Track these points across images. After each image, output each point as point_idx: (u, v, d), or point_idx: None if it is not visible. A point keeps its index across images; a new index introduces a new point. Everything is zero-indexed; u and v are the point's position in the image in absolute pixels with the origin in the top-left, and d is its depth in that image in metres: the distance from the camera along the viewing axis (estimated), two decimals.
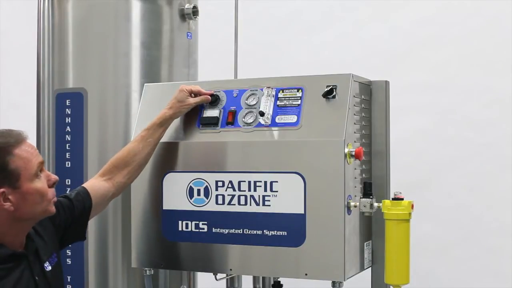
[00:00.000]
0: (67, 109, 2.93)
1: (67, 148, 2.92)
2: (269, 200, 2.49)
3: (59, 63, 2.98)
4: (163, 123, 2.57)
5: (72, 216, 2.39)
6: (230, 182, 2.54)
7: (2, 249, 2.11)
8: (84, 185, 2.51)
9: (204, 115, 2.63)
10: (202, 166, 2.59)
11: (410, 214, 2.40)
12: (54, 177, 2.20)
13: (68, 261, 2.87)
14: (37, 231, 2.26)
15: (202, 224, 2.59)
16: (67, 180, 2.91)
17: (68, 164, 2.92)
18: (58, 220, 2.35)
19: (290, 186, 2.45)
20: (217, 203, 2.56)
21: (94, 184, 2.51)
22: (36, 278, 2.16)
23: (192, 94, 2.61)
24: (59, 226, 2.36)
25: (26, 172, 2.09)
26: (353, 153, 2.41)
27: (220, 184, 2.56)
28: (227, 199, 2.55)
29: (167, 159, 2.64)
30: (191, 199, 2.61)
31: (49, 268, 2.23)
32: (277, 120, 2.51)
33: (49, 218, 2.31)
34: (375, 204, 2.51)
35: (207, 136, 2.60)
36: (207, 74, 3.26)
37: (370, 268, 2.66)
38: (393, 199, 2.43)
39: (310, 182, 2.43)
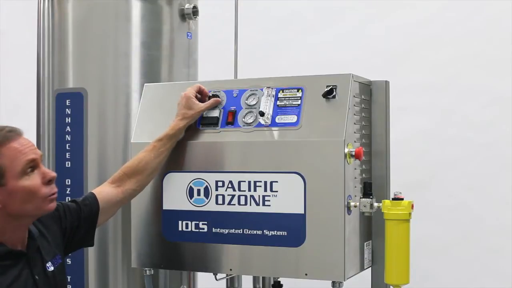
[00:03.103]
0: (67, 109, 2.93)
1: (67, 148, 2.92)
2: (269, 200, 2.49)
3: (59, 63, 2.98)
4: (175, 135, 2.57)
5: (78, 219, 2.40)
6: (230, 182, 2.54)
7: (0, 247, 2.11)
8: (93, 190, 2.53)
9: (204, 115, 2.63)
10: (202, 166, 2.59)
11: (410, 214, 2.40)
12: (50, 174, 2.16)
13: (68, 261, 2.87)
14: (41, 232, 2.26)
15: (202, 224, 2.59)
16: (67, 180, 2.91)
17: (68, 164, 2.92)
18: (65, 224, 2.36)
19: (290, 186, 2.45)
20: (217, 203, 2.56)
21: (102, 190, 2.52)
22: (36, 277, 2.16)
23: (198, 95, 2.62)
24: (66, 229, 2.36)
25: (11, 170, 2.07)
26: (353, 153, 2.41)
27: (220, 184, 2.56)
28: (227, 199, 2.55)
29: (167, 159, 2.64)
30: (191, 199, 2.61)
31: (52, 268, 2.23)
32: (277, 120, 2.51)
33: (55, 221, 2.32)
34: (375, 204, 2.51)
35: (207, 136, 2.60)
36: (207, 74, 3.26)
37: (370, 268, 2.66)
38: (393, 199, 2.43)
39: (310, 182, 2.43)
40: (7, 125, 2.16)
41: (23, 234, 2.17)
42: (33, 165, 2.12)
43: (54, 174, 2.17)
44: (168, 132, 2.57)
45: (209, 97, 2.64)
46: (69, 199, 2.49)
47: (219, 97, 2.63)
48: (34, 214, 2.17)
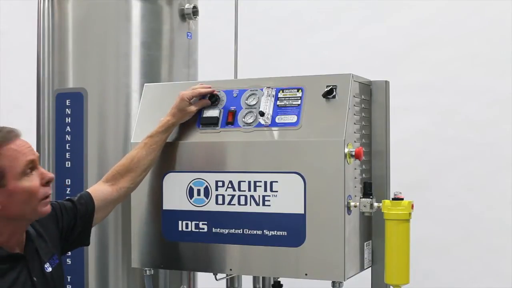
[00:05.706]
0: (67, 109, 2.93)
1: (67, 148, 2.92)
2: (269, 200, 2.49)
3: (59, 63, 2.98)
4: (166, 131, 2.59)
5: (75, 219, 2.40)
6: (230, 182, 2.54)
7: None
8: (87, 189, 2.53)
9: (204, 115, 2.63)
10: (202, 166, 2.59)
11: (410, 214, 2.40)
12: (49, 175, 2.16)
13: (68, 261, 2.87)
14: (39, 232, 2.25)
15: (202, 224, 2.59)
16: (67, 180, 2.91)
17: (68, 164, 2.92)
18: (61, 223, 2.35)
19: (290, 186, 2.45)
20: (217, 203, 2.56)
21: (97, 188, 2.52)
22: (34, 279, 2.15)
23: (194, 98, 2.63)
24: (63, 229, 2.36)
25: (12, 170, 2.07)
26: (353, 153, 2.41)
27: (220, 184, 2.56)
28: (227, 199, 2.55)
29: (167, 159, 2.64)
30: (191, 199, 2.61)
31: (50, 269, 2.23)
32: (277, 120, 2.51)
33: (52, 221, 2.32)
34: (375, 204, 2.51)
35: (207, 136, 2.60)
36: (207, 74, 3.26)
37: (370, 268, 2.66)
38: (393, 199, 2.43)
39: (310, 182, 2.43)
40: (5, 126, 2.15)
41: (21, 236, 2.17)
42: (32, 165, 2.12)
43: (52, 175, 2.17)
44: (159, 129, 2.58)
45: (209, 97, 2.64)
46: (65, 198, 2.48)
47: (219, 97, 2.63)
48: (30, 217, 2.16)
